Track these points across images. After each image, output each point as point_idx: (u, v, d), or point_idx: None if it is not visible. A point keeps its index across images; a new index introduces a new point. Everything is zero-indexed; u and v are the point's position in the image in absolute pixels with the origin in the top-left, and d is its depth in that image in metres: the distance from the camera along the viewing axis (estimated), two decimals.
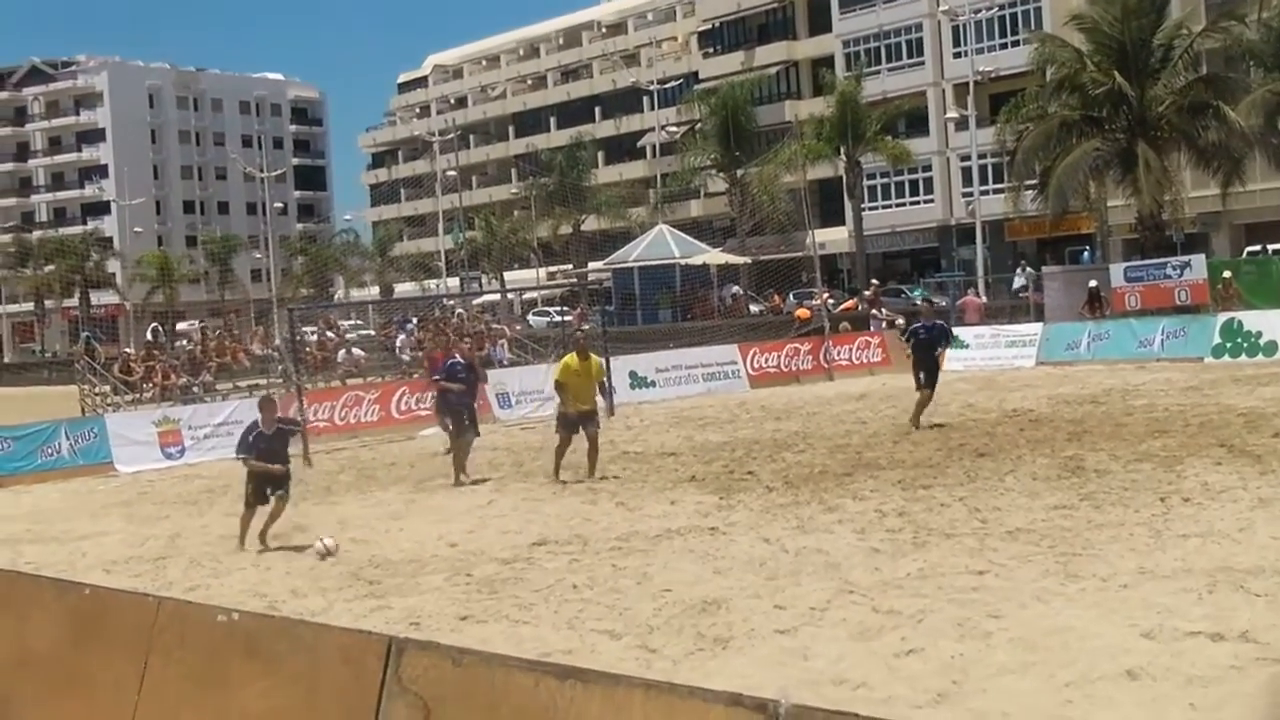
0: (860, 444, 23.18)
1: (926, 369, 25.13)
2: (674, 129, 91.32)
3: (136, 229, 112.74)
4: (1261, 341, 34.96)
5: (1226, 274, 41.77)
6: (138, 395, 38.28)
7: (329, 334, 48.86)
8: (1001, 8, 74.82)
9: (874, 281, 58.49)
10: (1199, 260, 42.22)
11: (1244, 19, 50.11)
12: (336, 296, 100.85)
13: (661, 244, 61.06)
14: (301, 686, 6.94)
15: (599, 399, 21.49)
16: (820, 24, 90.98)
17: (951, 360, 39.79)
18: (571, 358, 21.29)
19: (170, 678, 7.58)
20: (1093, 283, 43.27)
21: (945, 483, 18.06)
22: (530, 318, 77.59)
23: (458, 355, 23.68)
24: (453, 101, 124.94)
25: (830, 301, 50.23)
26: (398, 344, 44.91)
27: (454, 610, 12.62)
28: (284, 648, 7.17)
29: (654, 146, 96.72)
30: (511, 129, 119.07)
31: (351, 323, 70.37)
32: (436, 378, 23.44)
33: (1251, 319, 36.21)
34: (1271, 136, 47.80)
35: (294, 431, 16.91)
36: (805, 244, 61.01)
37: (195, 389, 38.89)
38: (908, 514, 15.93)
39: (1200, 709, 8.58)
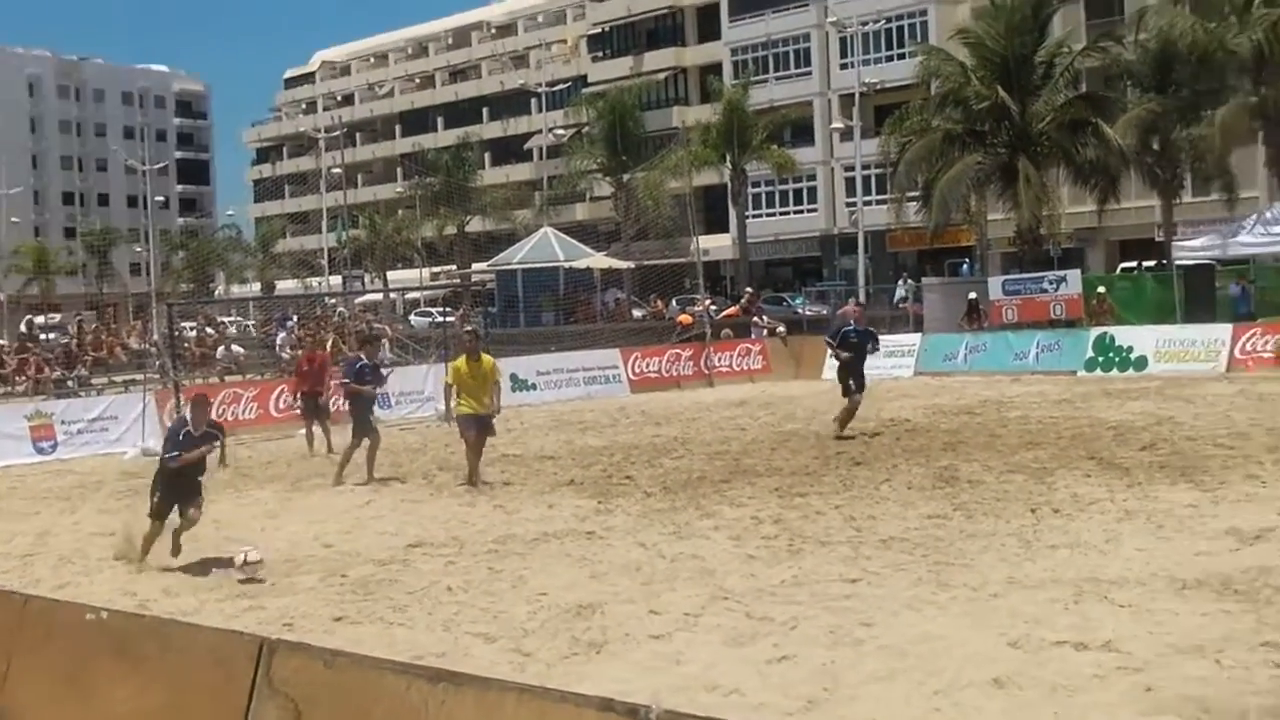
0: (739, 451, 23.31)
1: (856, 374, 24.82)
2: (561, 132, 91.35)
3: (13, 219, 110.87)
4: (1132, 356, 35.60)
5: (1101, 289, 42.51)
6: (10, 388, 37.69)
7: (208, 330, 48.38)
8: (888, 21, 75.65)
9: (748, 289, 58.76)
10: (1075, 275, 42.88)
11: (1122, 40, 50.98)
12: (217, 292, 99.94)
13: (546, 247, 60.96)
14: (171, 687, 6.89)
15: (495, 401, 20.81)
16: (709, 31, 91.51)
17: (831, 369, 40.26)
18: (461, 360, 20.84)
19: (36, 677, 7.50)
20: (972, 295, 43.81)
21: (821, 491, 18.21)
22: (413, 318, 77.21)
23: (364, 356, 23.50)
24: (340, 99, 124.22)
25: (713, 308, 50.41)
26: (278, 341, 44.55)
27: (328, 611, 12.55)
28: (154, 648, 7.11)
29: (541, 149, 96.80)
30: (398, 128, 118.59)
31: (232, 319, 69.72)
32: (345, 380, 23.02)
33: (1124, 334, 36.87)
34: (1146, 155, 48.67)
35: (219, 436, 15.86)
36: (689, 250, 61.16)
37: (70, 383, 38.36)
38: (784, 521, 16.05)
39: (1063, 717, 8.73)
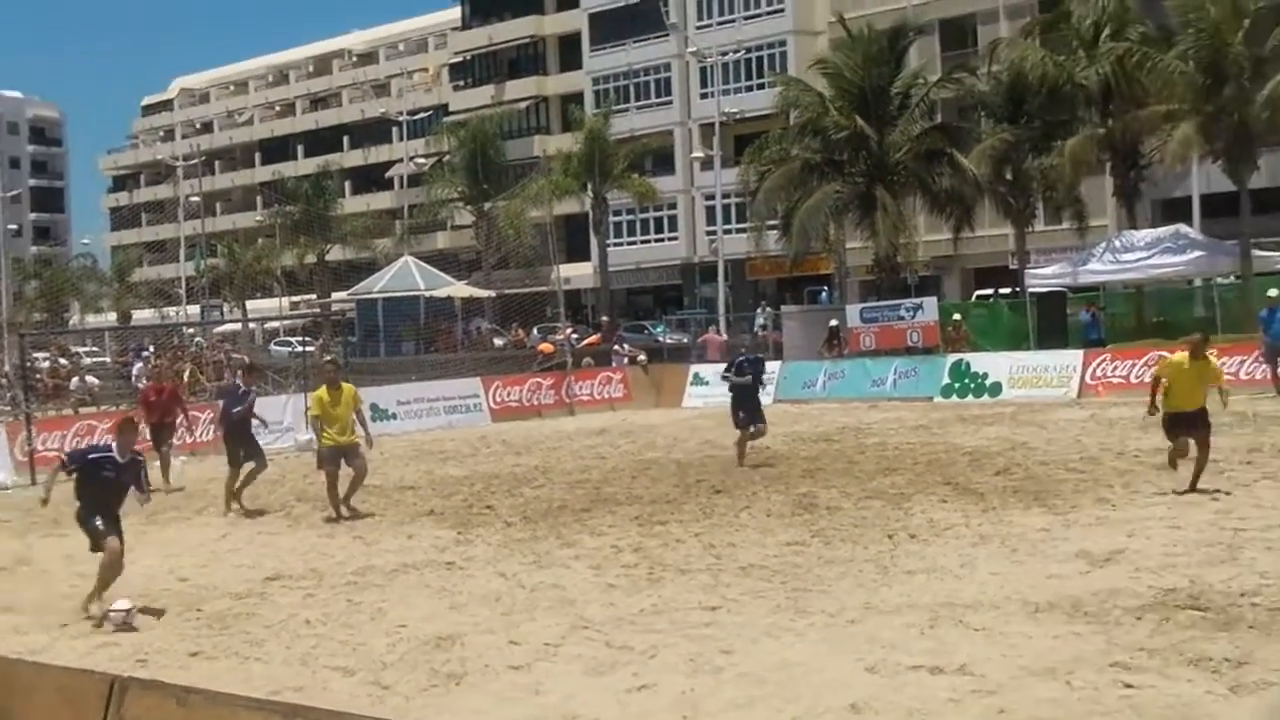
0: (599, 479, 23.32)
1: (749, 406, 24.46)
2: (422, 160, 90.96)
3: None
4: (987, 382, 36.14)
5: (956, 316, 43.16)
6: None
7: (62, 361, 47.56)
8: (748, 51, 76.21)
9: (604, 318, 58.93)
10: (931, 303, 43.45)
11: (975, 71, 51.85)
12: (71, 322, 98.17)
13: (407, 275, 60.76)
14: None
15: (359, 430, 20.62)
16: (571, 61, 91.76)
17: (691, 397, 40.54)
18: (323, 390, 20.57)
19: None
20: (833, 322, 44.26)
21: (681, 519, 18.28)
22: (272, 347, 76.42)
23: (240, 382, 23.30)
24: (198, 126, 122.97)
25: (574, 336, 50.48)
26: (134, 372, 43.89)
27: (183, 647, 12.38)
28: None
29: (402, 177, 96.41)
30: (258, 155, 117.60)
31: (87, 349, 68.54)
32: (237, 409, 22.60)
33: (979, 360, 37.44)
34: (1000, 185, 49.47)
35: (142, 465, 14.61)
36: (550, 279, 61.29)
37: None
38: (644, 550, 16.09)
39: None
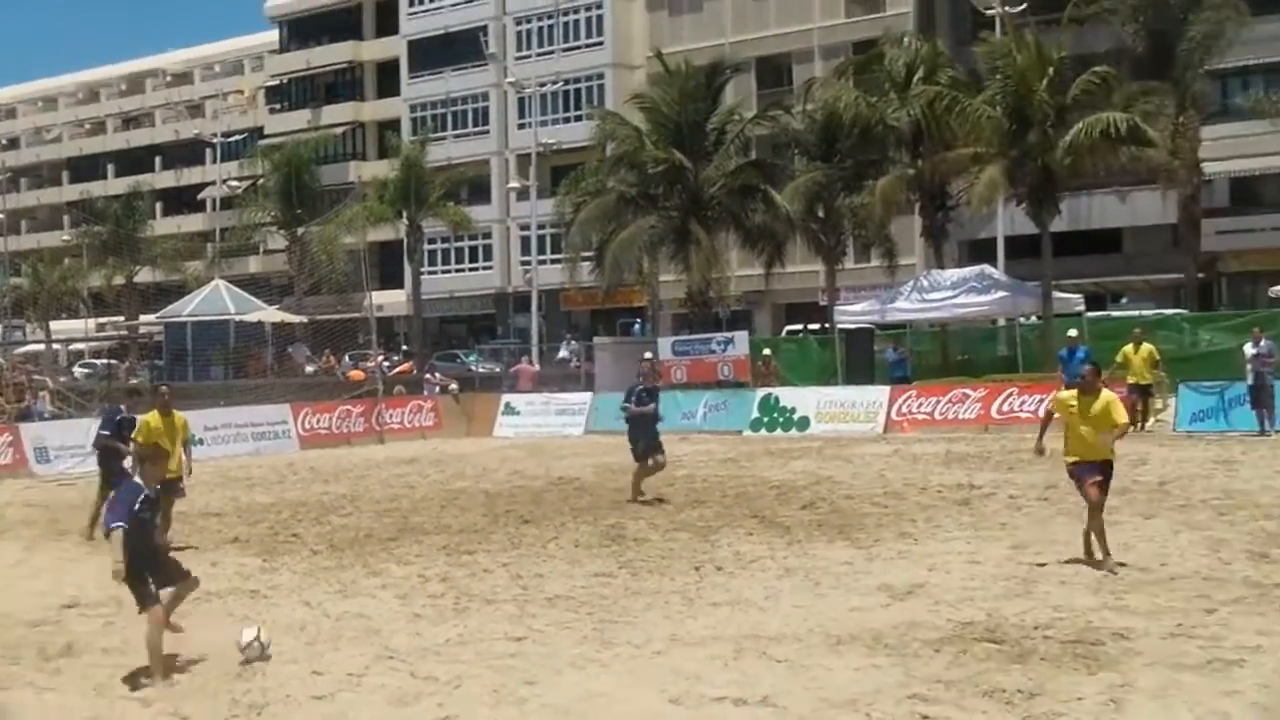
0: (407, 508, 23.17)
1: (648, 436, 23.33)
2: (236, 183, 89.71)
3: None
4: (795, 417, 36.60)
5: (766, 351, 43.68)
6: None
7: None
8: (566, 83, 76.55)
9: (404, 347, 58.62)
10: (742, 337, 43.89)
11: (790, 109, 52.61)
12: None
13: (217, 299, 59.74)
14: None
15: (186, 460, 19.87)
16: (389, 87, 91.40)
17: (503, 426, 40.50)
18: (153, 415, 19.43)
19: None
20: (648, 354, 44.44)
21: (489, 548, 18.23)
22: (76, 370, 74.79)
23: (124, 409, 22.45)
24: (4, 141, 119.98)
25: (385, 364, 50.14)
26: None
27: None
28: None
29: (215, 200, 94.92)
30: (66, 174, 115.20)
31: None
32: (105, 432, 21.51)
33: (788, 395, 37.90)
34: (812, 221, 50.19)
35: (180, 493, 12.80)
36: (363, 305, 60.71)
37: None
38: (451, 579, 16.02)
39: None
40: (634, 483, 23.15)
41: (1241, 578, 14.28)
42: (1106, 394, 15.59)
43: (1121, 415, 15.56)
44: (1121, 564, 15.10)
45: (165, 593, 12.17)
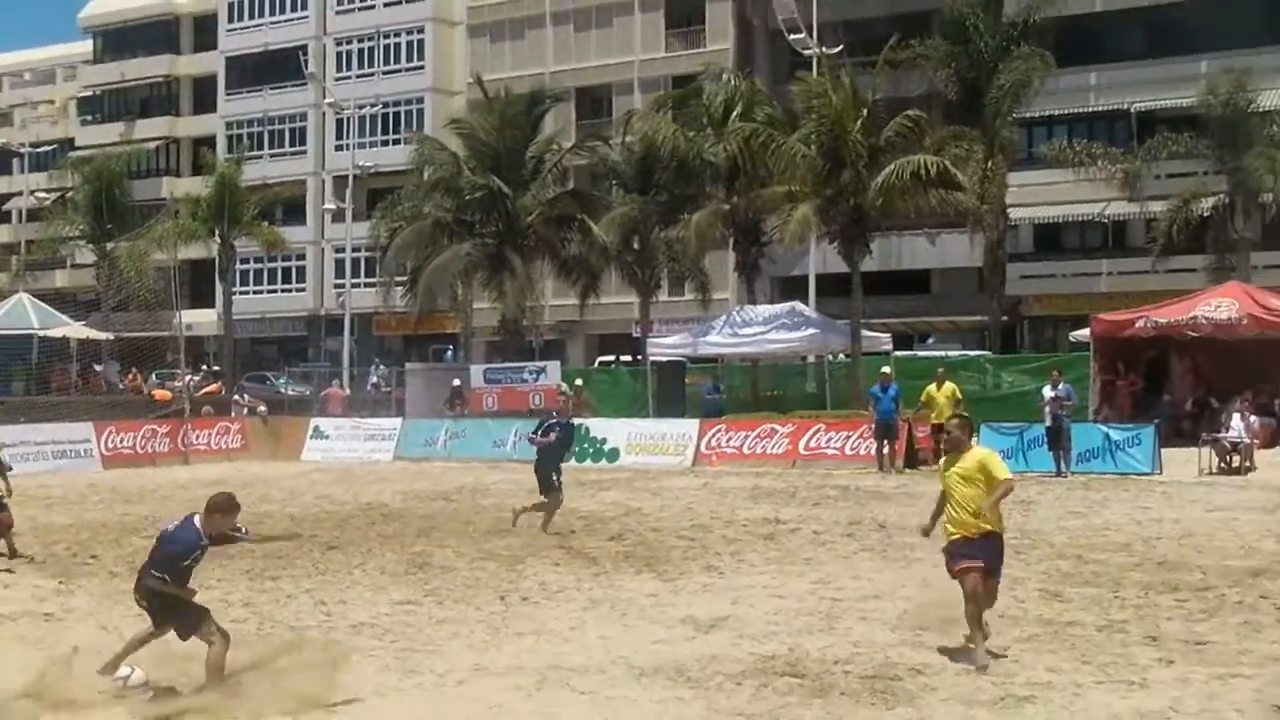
0: None
1: (556, 468, 22.69)
2: (44, 195, 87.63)
3: None
4: (606, 447, 36.74)
5: (579, 381, 43.74)
6: None
7: None
8: (385, 106, 76.14)
9: (204, 367, 57.79)
10: (554, 366, 44.00)
11: (608, 141, 52.89)
12: None
13: (20, 313, 58.33)
14: None
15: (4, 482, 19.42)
16: (205, 103, 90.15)
17: (311, 450, 40.11)
18: None
19: None
20: (456, 381, 44.34)
21: (294, 574, 18.03)
22: None
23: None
24: None
25: (193, 384, 49.36)
26: None
27: None
28: None
29: (21, 211, 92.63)
30: None
31: None
32: None
33: (598, 426, 38.02)
34: (627, 253, 50.44)
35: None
36: (172, 324, 59.69)
37: None
38: (253, 605, 15.82)
39: None
40: (545, 518, 22.40)
41: (1035, 616, 14.61)
42: (979, 451, 12.86)
43: (1001, 471, 12.52)
44: (999, 655, 12.65)
45: None
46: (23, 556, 19.88)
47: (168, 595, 11.46)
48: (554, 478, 22.50)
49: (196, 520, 11.56)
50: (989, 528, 12.48)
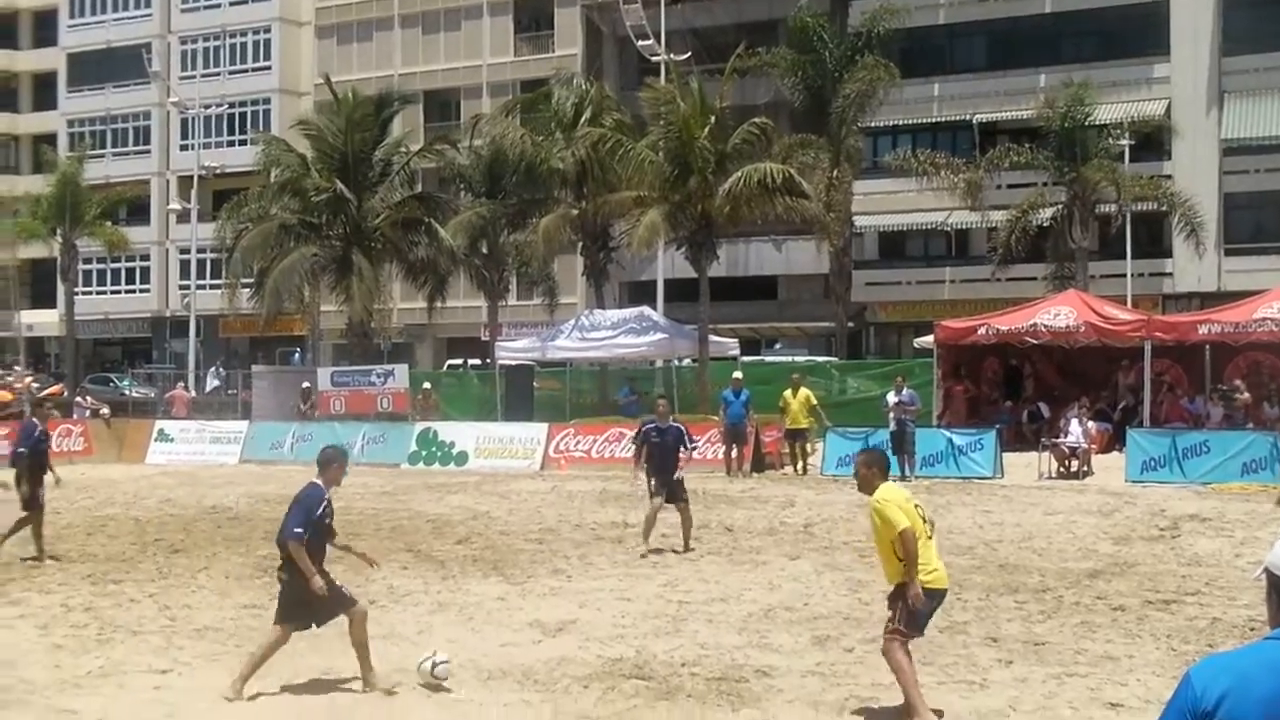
0: (52, 536, 22.31)
1: (661, 475, 20.58)
2: None
3: None
4: (454, 451, 36.63)
5: (427, 385, 43.63)
6: None
7: None
8: (231, 106, 75.22)
9: (15, 368, 56.72)
10: (402, 370, 43.74)
11: (457, 144, 52.75)
12: None
13: None
14: None
15: None
16: (45, 100, 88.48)
17: (155, 453, 39.54)
18: None
19: None
20: (305, 384, 43.98)
21: (137, 578, 17.81)
22: None
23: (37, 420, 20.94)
24: None
25: (34, 385, 48.46)
26: None
27: None
28: None
29: None
30: None
31: None
32: (21, 449, 20.05)
33: (446, 429, 37.92)
34: (475, 257, 50.34)
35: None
36: (12, 324, 58.64)
37: None
38: (95, 609, 15.60)
39: None
40: (646, 528, 20.55)
41: (879, 618, 14.81)
42: (878, 493, 10.99)
43: (894, 519, 10.71)
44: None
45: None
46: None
47: (297, 582, 11.85)
48: (659, 483, 20.52)
49: (316, 479, 12.10)
50: (894, 577, 11.05)
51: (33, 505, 19.85)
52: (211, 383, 59.51)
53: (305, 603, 11.85)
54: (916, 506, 10.94)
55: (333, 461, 12.10)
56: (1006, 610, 15.40)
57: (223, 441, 40.24)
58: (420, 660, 12.11)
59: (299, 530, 11.69)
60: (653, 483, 20.54)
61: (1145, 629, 14.38)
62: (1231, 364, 36.13)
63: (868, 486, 11.11)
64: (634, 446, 21.68)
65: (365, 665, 11.95)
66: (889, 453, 31.19)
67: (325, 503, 11.95)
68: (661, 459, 20.60)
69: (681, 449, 20.70)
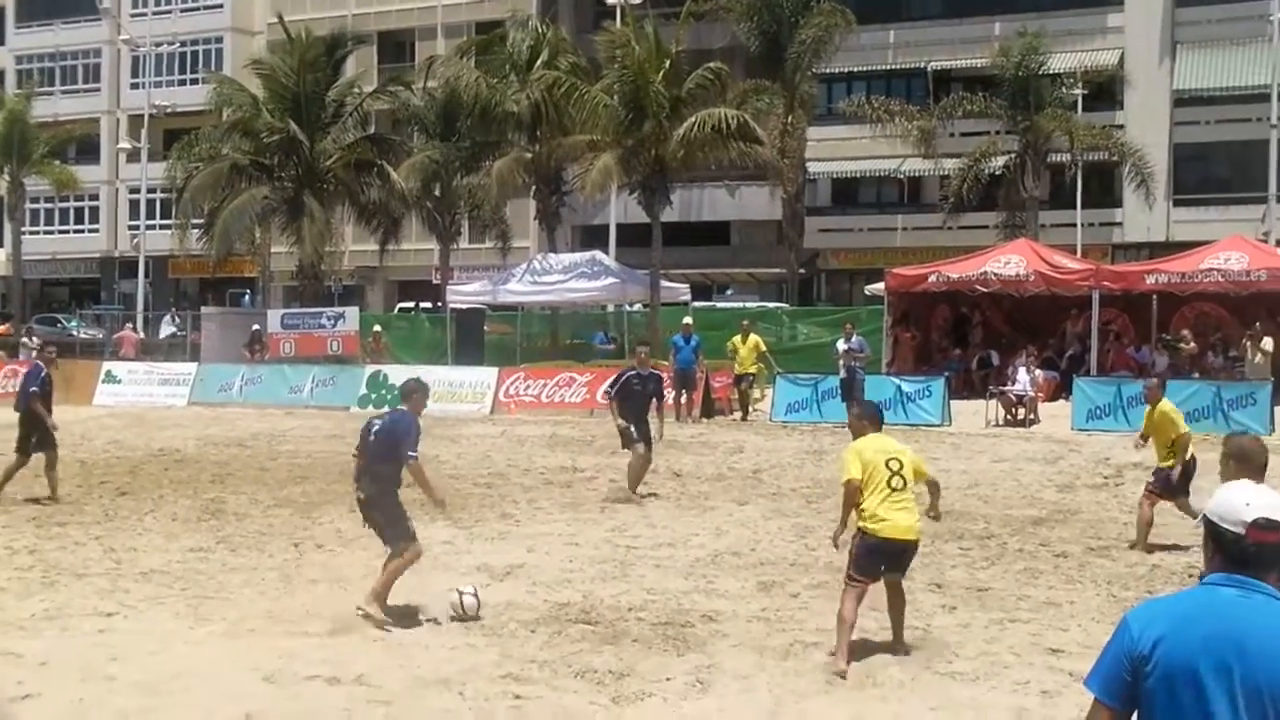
0: None
1: (639, 423, 20.34)
2: None
3: None
4: None
5: (377, 328, 43.48)
6: None
7: None
8: (183, 44, 74.60)
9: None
10: (352, 312, 43.52)
11: (410, 85, 52.42)
12: None
13: None
14: None
15: None
16: None
17: (103, 395, 39.30)
18: None
19: None
20: (257, 326, 43.77)
21: (82, 521, 17.75)
22: None
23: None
24: None
25: None
26: None
27: None
28: None
29: None
30: None
31: None
32: (35, 390, 19.94)
33: (396, 372, 37.68)
34: (427, 200, 50.14)
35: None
36: None
37: None
38: (39, 552, 15.55)
39: None
40: (632, 476, 20.41)
41: (824, 564, 14.92)
42: (856, 441, 11.31)
43: (847, 468, 11.03)
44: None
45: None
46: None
47: (388, 501, 12.60)
48: (633, 432, 20.34)
49: (402, 408, 13.03)
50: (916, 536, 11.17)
51: (28, 450, 19.91)
52: (166, 329, 59.08)
53: (393, 519, 12.64)
54: (891, 460, 11.01)
55: (414, 392, 13.06)
56: (951, 557, 15.52)
57: (171, 384, 40.00)
58: (450, 595, 12.50)
59: (413, 454, 12.43)
60: (633, 430, 20.23)
61: (1086, 575, 14.54)
62: (1178, 314, 36.43)
63: (856, 435, 11.45)
64: (611, 394, 21.18)
65: (379, 594, 12.47)
66: (839, 400, 31.50)
67: (418, 431, 12.66)
68: (639, 407, 20.56)
69: (656, 397, 20.93)
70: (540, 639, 11.73)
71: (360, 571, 14.45)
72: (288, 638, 11.68)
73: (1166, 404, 16.59)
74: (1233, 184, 54.40)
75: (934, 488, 11.84)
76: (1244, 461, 8.48)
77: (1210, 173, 56.68)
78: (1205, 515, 4.74)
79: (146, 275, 65.60)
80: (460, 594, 12.46)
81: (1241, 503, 4.66)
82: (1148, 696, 4.56)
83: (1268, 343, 32.35)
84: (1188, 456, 16.27)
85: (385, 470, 12.49)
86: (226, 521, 17.76)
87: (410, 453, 12.39)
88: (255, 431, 30.52)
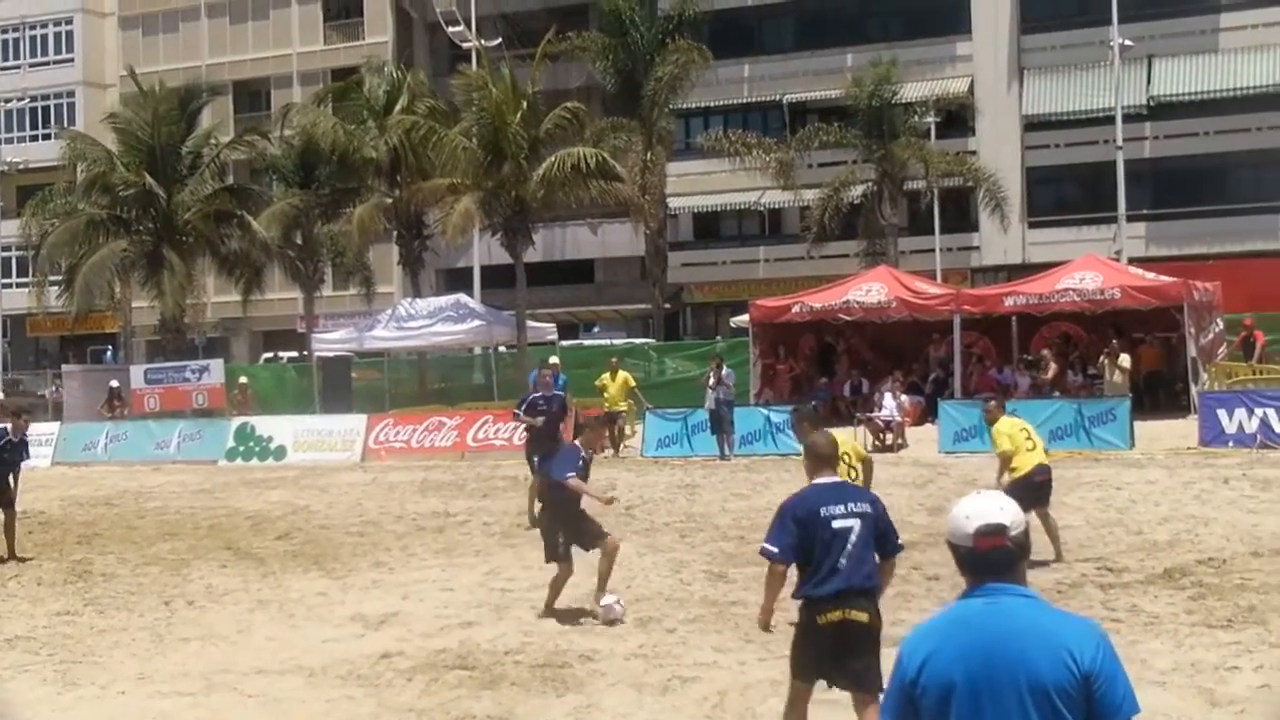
0: None
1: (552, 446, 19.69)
2: None
3: None
4: (272, 446, 36.16)
5: (243, 379, 43.10)
6: None
7: None
8: (34, 100, 73.57)
9: None
10: (217, 365, 43.14)
11: (268, 135, 52.09)
12: None
13: None
14: None
15: None
16: None
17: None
18: None
19: None
20: (114, 382, 43.19)
21: None
22: None
23: (10, 429, 20.13)
24: None
25: None
26: None
27: None
28: None
29: None
30: None
31: None
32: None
33: (264, 424, 37.39)
34: (289, 249, 49.84)
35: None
36: None
37: None
38: None
39: None
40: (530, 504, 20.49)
41: (700, 597, 15.00)
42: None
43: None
44: None
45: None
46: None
47: (570, 513, 14.20)
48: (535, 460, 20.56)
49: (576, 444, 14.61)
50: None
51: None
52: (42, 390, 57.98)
53: (579, 530, 14.26)
54: (844, 456, 11.73)
55: (588, 426, 15.09)
56: None
57: (33, 444, 39.20)
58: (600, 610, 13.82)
59: (571, 474, 13.83)
60: (536, 460, 20.53)
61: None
62: (1038, 334, 37.03)
63: (799, 436, 11.95)
64: (519, 412, 22.24)
65: (601, 587, 14.20)
66: (709, 433, 31.62)
67: (581, 463, 14.20)
68: (550, 425, 21.39)
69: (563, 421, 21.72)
70: (417, 687, 11.68)
71: (234, 626, 14.35)
72: (160, 698, 11.54)
73: (1001, 423, 16.98)
74: (1084, 205, 55.39)
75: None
76: (816, 459, 9.40)
77: (1062, 194, 57.74)
78: (947, 540, 4.94)
79: (4, 335, 64.45)
80: (604, 604, 13.91)
81: (963, 516, 4.87)
82: (928, 717, 4.66)
83: (1125, 359, 32.98)
84: (1017, 476, 16.56)
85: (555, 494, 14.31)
86: (94, 583, 17.49)
87: (567, 472, 13.88)
88: (121, 489, 30.07)
